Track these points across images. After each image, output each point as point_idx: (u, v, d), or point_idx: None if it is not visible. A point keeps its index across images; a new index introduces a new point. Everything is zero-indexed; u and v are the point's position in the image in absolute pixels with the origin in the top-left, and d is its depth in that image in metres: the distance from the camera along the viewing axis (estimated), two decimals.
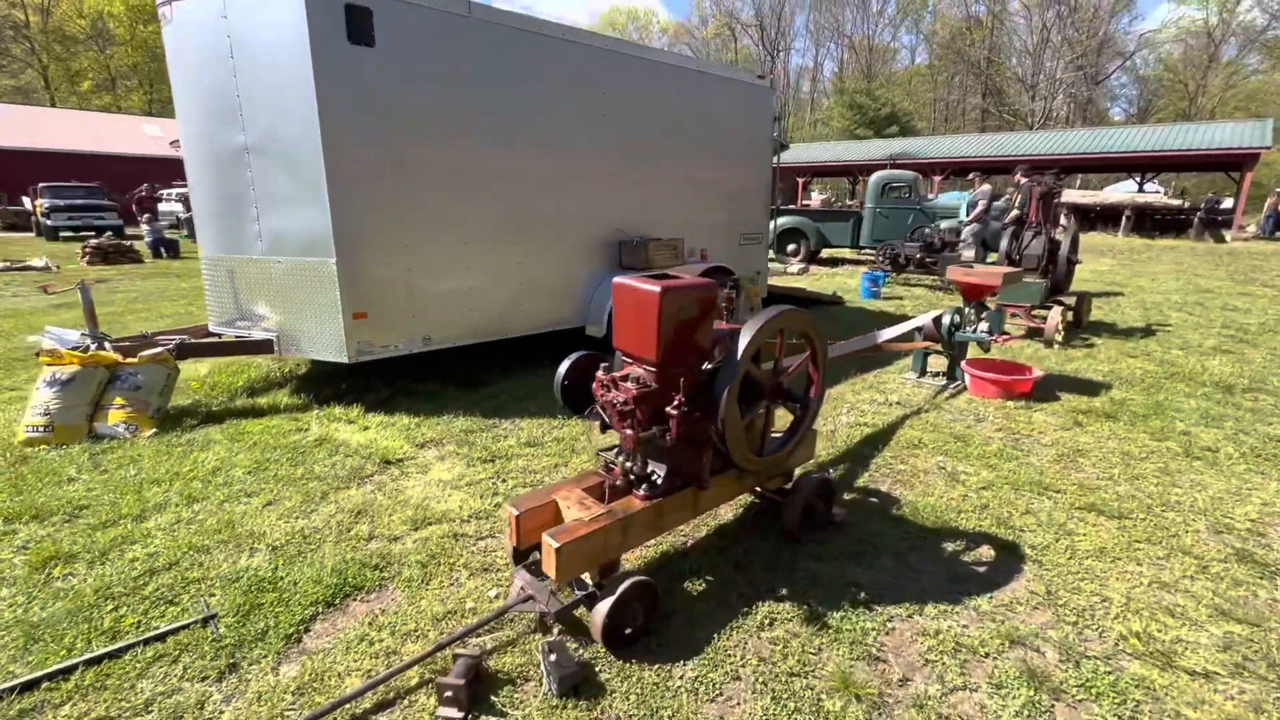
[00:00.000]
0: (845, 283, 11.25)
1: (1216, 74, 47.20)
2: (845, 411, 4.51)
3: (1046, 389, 5.04)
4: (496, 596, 2.43)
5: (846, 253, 14.97)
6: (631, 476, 2.36)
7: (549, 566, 2.08)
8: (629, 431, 2.27)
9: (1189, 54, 48.62)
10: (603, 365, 2.44)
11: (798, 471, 3.09)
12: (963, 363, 5.04)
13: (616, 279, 2.37)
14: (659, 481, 2.37)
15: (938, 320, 5.17)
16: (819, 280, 11.66)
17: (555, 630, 2.20)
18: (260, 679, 2.03)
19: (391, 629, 2.25)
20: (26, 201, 22.76)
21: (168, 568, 2.59)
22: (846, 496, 3.29)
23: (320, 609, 2.36)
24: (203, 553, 2.71)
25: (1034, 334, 6.75)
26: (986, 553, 2.78)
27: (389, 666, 2.06)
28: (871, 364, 5.67)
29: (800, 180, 31.94)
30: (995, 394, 4.79)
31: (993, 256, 9.39)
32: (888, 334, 4.73)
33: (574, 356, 2.58)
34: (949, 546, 2.82)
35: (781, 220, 14.35)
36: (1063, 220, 8.25)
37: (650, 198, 5.91)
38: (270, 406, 4.54)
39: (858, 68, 59.15)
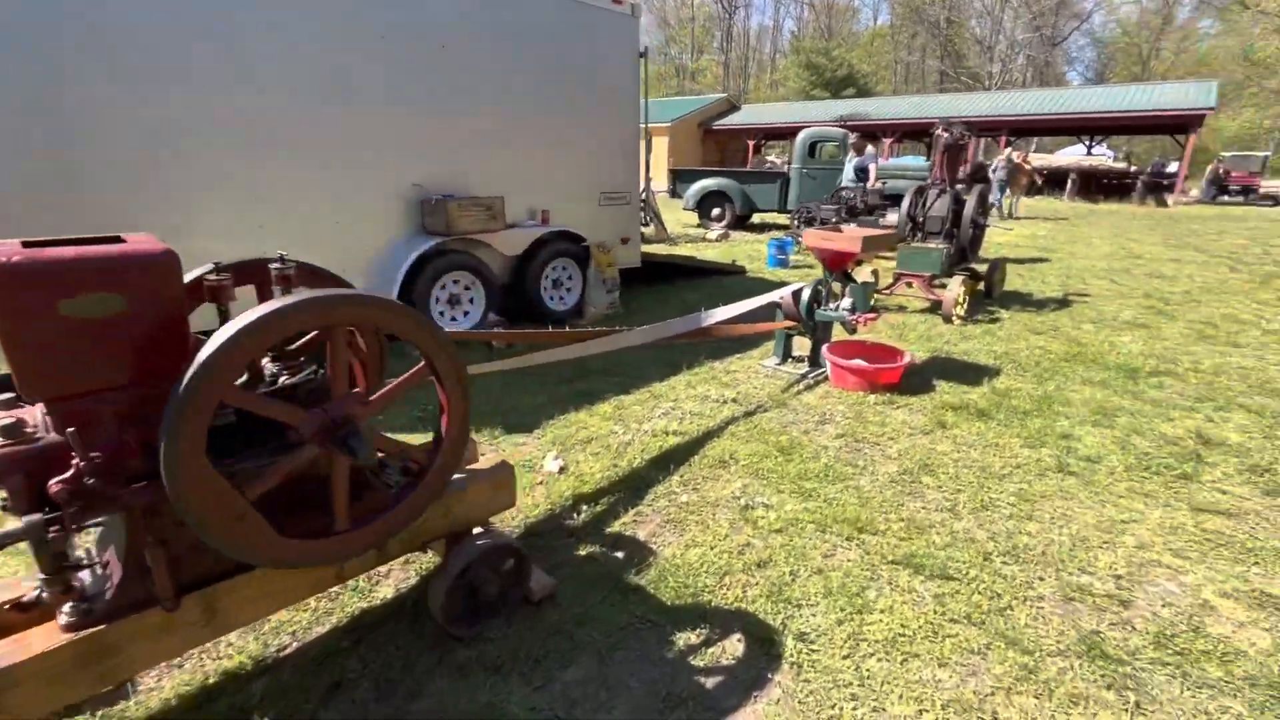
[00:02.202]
0: (763, 250, 10.32)
1: (1170, 37, 47.06)
2: (659, 413, 3.58)
3: (923, 376, 4.19)
4: None
5: (776, 216, 14.02)
6: (41, 594, 1.36)
7: None
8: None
9: (1144, 16, 48.32)
10: None
11: (499, 522, 2.14)
12: (824, 347, 4.15)
13: None
14: (104, 594, 1.38)
15: (797, 295, 4.25)
16: (735, 247, 10.70)
17: None
18: None
19: None
20: None
21: None
22: (586, 550, 2.36)
23: None
24: None
25: (936, 307, 5.93)
26: (731, 649, 1.88)
27: None
28: (731, 346, 4.76)
29: (751, 143, 30.74)
30: (857, 385, 3.92)
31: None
32: (724, 313, 3.80)
33: None
34: (681, 639, 1.92)
35: (704, 182, 13.30)
36: (984, 171, 7.40)
37: (464, 149, 4.80)
38: None
39: (818, 27, 57.50)
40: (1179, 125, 21.76)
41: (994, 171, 14.11)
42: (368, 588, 2.14)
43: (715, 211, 13.33)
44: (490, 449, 3.17)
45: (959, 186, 6.23)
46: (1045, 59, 49.41)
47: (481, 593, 1.90)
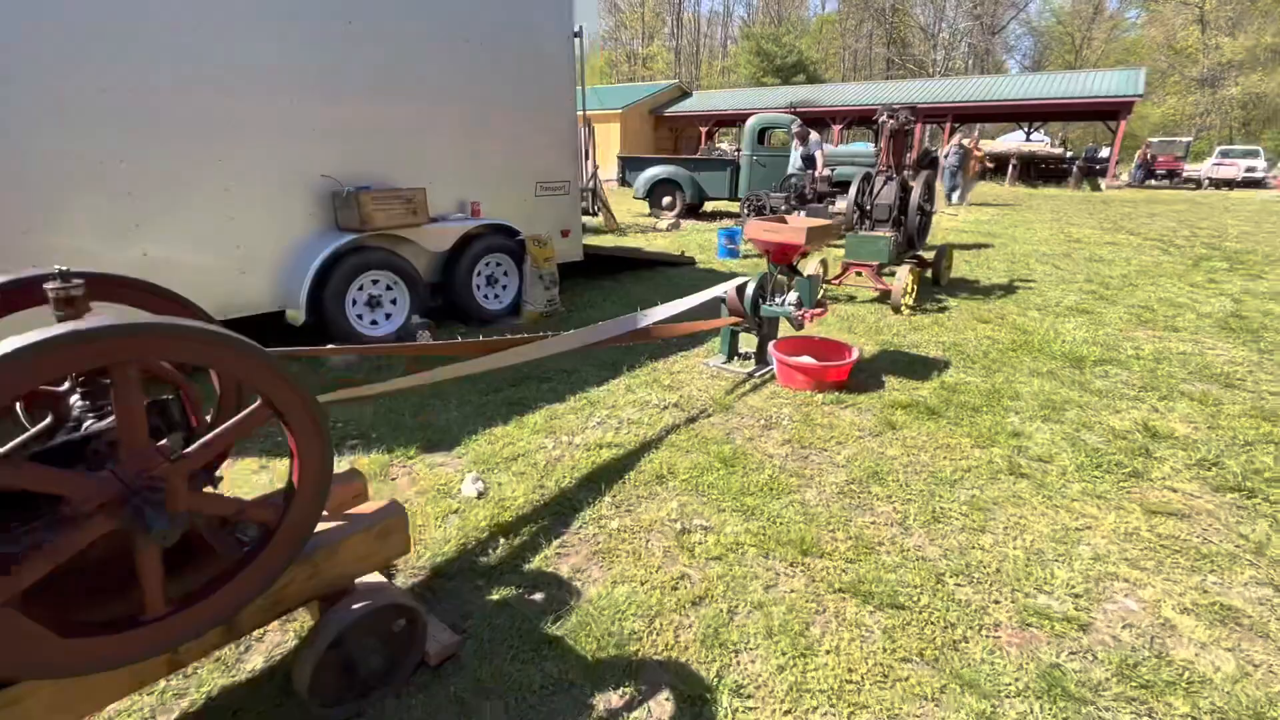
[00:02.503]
0: (714, 239, 10.12)
1: (1100, 26, 48.90)
2: (595, 423, 3.31)
3: (873, 371, 4.05)
4: None
5: (728, 204, 13.85)
6: None
7: None
8: None
9: (1075, 6, 50.03)
10: None
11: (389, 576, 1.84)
12: (771, 344, 3.95)
13: None
14: None
15: (741, 289, 4.04)
16: (685, 237, 10.47)
17: None
18: None
19: None
20: None
21: None
22: (500, 594, 2.08)
23: None
24: None
25: (885, 297, 5.82)
26: (658, 712, 1.64)
27: None
28: (675, 343, 4.52)
29: (703, 129, 30.55)
30: (804, 384, 3.73)
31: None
32: (663, 312, 3.55)
33: None
34: (601, 703, 1.66)
35: (653, 170, 13.01)
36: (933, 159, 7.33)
37: (381, 137, 4.38)
38: None
39: (767, 13, 57.55)
40: (1110, 112, 22.56)
41: (945, 158, 14.27)
42: (234, 657, 1.81)
43: (666, 200, 13.07)
44: (403, 472, 2.85)
45: (905, 173, 6.12)
46: (985, 47, 50.74)
47: (362, 665, 1.60)
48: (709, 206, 13.99)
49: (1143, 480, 2.77)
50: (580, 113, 5.95)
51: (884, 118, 6.72)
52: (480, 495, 2.62)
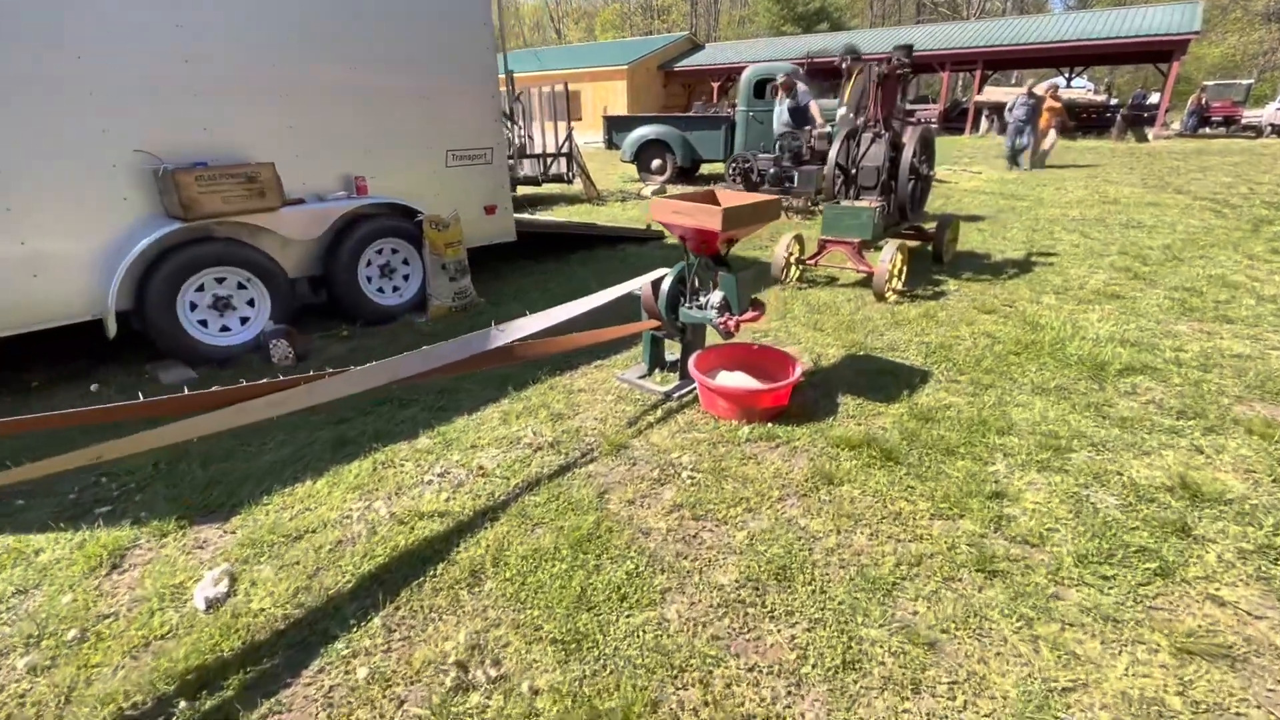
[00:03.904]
0: None
1: None
2: (432, 476, 2.51)
3: (828, 386, 3.18)
4: None
5: (722, 167, 12.71)
6: None
7: None
8: None
9: None
10: None
11: None
12: (693, 357, 3.09)
13: None
14: None
15: (657, 285, 3.17)
16: None
17: None
18: None
19: None
20: None
21: None
22: None
23: None
24: None
25: (869, 280, 4.86)
26: None
27: None
28: (590, 347, 3.67)
29: (715, 84, 28.81)
30: (728, 413, 2.88)
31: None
32: (538, 323, 2.71)
33: None
34: None
35: (641, 130, 11.91)
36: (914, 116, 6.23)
37: (222, 100, 3.53)
38: None
39: None
40: (1162, 52, 20.40)
41: (1010, 110, 12.31)
42: None
43: (655, 164, 11.99)
44: (144, 558, 2.11)
45: (896, 127, 5.06)
46: None
47: None
48: (705, 169, 12.89)
49: (1175, 582, 1.89)
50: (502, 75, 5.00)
51: (845, 62, 5.67)
52: (210, 608, 1.87)
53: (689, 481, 2.43)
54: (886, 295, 4.53)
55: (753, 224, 2.84)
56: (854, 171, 5.11)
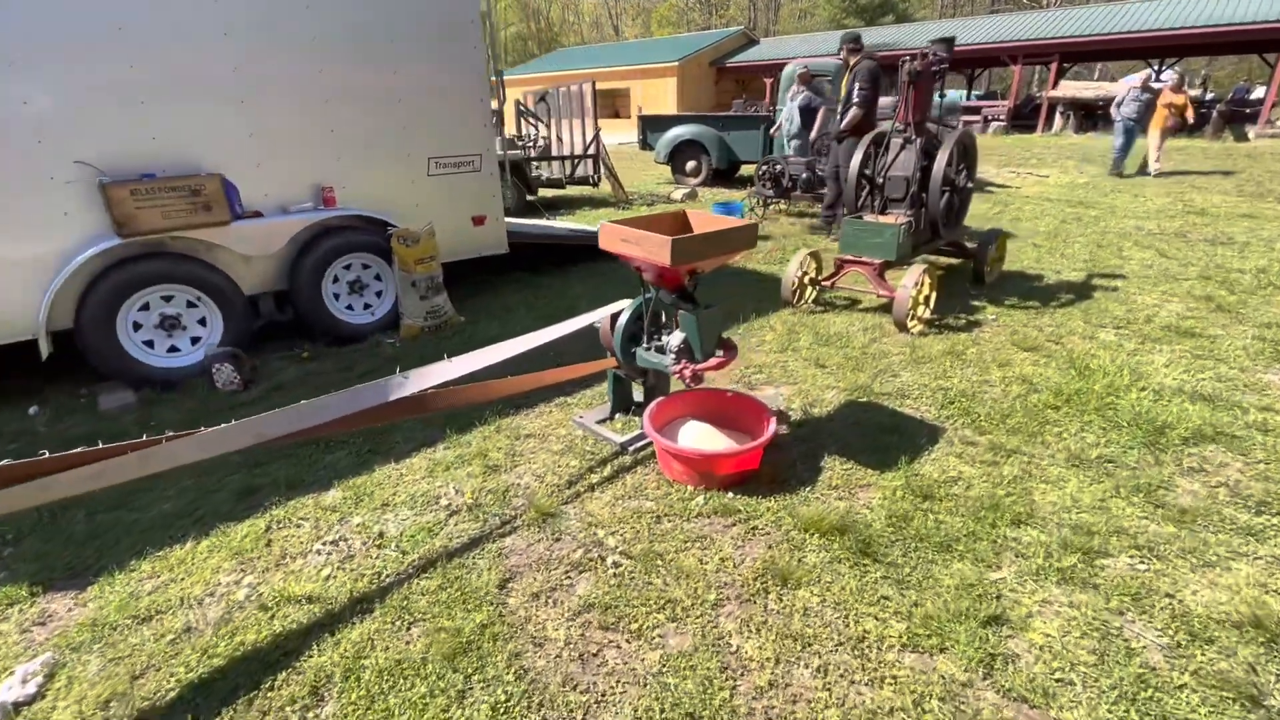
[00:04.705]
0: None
1: None
2: (321, 545, 2.18)
3: (813, 442, 2.70)
4: None
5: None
6: None
7: None
8: None
9: None
10: None
11: None
12: (650, 407, 2.65)
13: None
14: None
15: (614, 321, 2.75)
16: (698, 209, 8.96)
17: None
18: None
19: None
20: None
21: None
22: None
23: None
24: None
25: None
26: None
27: None
28: (546, 389, 3.28)
29: (769, 81, 27.90)
30: (683, 478, 2.44)
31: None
32: (459, 368, 2.34)
33: None
34: None
35: (676, 130, 11.43)
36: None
37: (175, 107, 3.31)
38: None
39: None
40: (1269, 41, 18.32)
41: (1118, 107, 10.93)
42: None
43: (690, 165, 11.50)
44: None
45: (930, 129, 4.45)
46: None
47: None
48: (745, 170, 12.29)
49: None
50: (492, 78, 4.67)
51: (843, 52, 4.99)
52: (8, 713, 1.59)
53: (611, 572, 2.01)
54: (909, 326, 3.96)
55: (714, 256, 2.38)
56: (880, 182, 4.54)
